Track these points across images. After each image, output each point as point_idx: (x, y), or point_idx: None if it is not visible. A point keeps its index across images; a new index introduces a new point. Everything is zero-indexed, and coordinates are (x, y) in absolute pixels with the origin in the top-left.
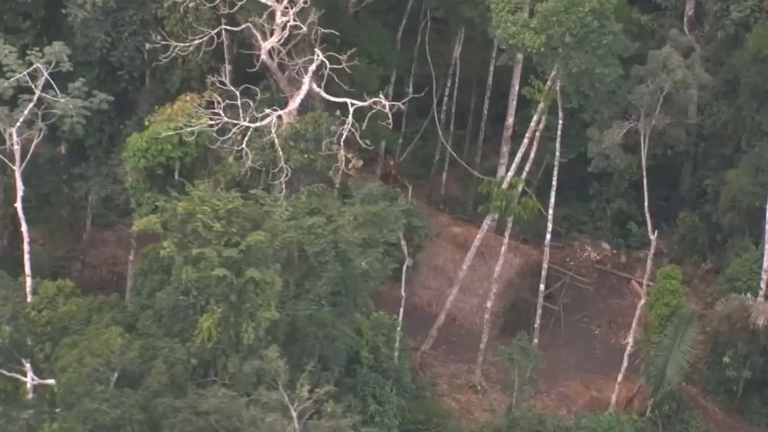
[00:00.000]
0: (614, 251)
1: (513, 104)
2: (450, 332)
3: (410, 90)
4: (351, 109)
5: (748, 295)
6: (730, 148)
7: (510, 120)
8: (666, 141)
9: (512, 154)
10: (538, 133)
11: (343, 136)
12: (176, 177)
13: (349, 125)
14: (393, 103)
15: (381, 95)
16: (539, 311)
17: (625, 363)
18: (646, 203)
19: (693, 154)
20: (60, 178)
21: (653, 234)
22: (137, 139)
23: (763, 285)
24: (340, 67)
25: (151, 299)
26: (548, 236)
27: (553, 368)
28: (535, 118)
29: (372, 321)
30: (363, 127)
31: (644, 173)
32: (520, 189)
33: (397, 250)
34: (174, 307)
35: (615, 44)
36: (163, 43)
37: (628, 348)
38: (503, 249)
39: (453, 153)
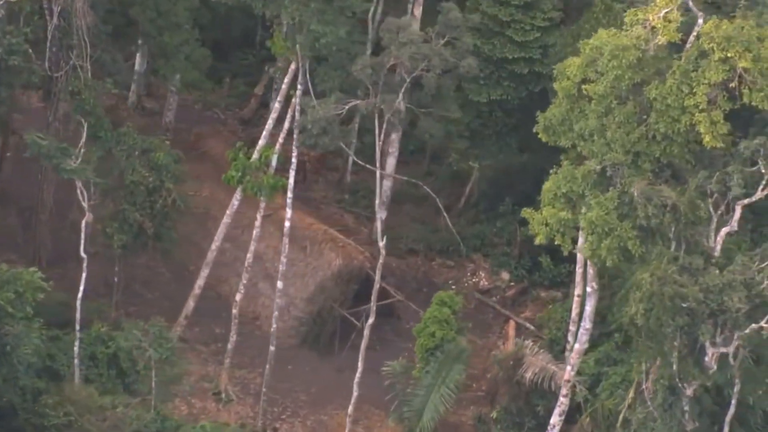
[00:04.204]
0: (512, 283)
1: None
2: (242, 331)
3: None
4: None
5: (528, 342)
6: None
7: None
8: (416, 133)
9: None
10: (295, 99)
11: None
12: None
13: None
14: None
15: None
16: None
17: (355, 393)
18: (377, 215)
19: None
20: None
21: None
22: None
23: (570, 338)
24: None
25: None
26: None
27: (331, 394)
28: (286, 78)
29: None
30: None
31: (378, 174)
32: (274, 162)
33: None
34: None
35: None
36: None
37: (357, 376)
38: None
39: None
